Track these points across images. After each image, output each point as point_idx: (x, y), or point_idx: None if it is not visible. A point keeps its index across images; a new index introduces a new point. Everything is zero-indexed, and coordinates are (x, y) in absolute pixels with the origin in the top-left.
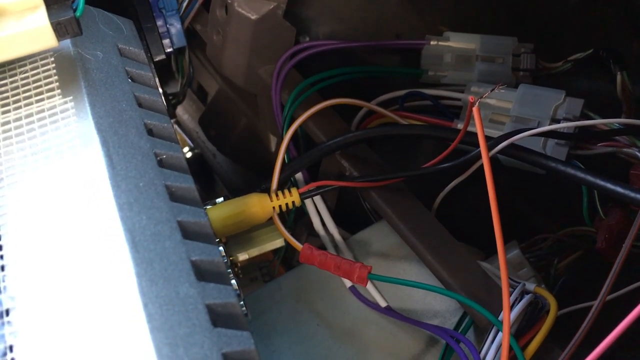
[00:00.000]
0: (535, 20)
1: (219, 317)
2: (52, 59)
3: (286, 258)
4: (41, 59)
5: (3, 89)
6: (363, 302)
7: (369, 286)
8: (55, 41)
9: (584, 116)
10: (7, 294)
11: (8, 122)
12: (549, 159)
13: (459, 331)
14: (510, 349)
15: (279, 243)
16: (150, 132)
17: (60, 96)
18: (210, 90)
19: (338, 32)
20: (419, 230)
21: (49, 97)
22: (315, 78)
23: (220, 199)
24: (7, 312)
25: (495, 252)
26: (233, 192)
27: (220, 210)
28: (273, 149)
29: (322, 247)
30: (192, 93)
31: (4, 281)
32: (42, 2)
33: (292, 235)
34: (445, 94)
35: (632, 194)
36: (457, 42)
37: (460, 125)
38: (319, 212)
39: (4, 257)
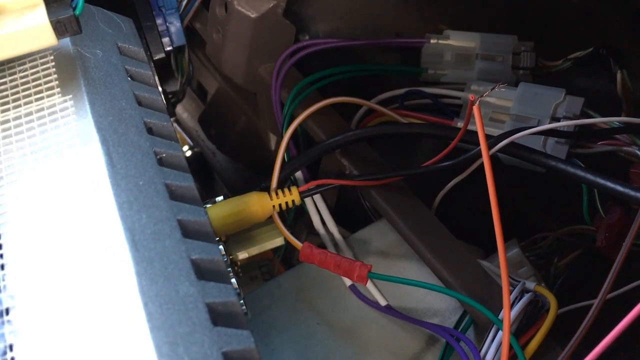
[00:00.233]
0: (536, 19)
1: (219, 316)
2: (52, 57)
3: (286, 257)
4: (40, 58)
5: (2, 87)
6: (363, 300)
7: (369, 285)
8: (54, 39)
9: (584, 115)
10: (7, 293)
11: (7, 121)
12: (549, 157)
13: (459, 330)
14: (511, 347)
15: (278, 242)
16: (150, 130)
17: (60, 95)
18: (210, 88)
19: (338, 31)
20: (419, 228)
21: (48, 96)
22: (315, 76)
23: (220, 198)
24: (7, 311)
25: (495, 250)
26: (233, 191)
27: (220, 209)
28: (273, 147)
29: (322, 246)
30: (191, 92)
31: (3, 280)
32: (42, 0)
33: (292, 234)
34: (445, 92)
35: (632, 193)
36: (457, 40)
37: (460, 124)
38: (318, 211)
39: (4, 256)
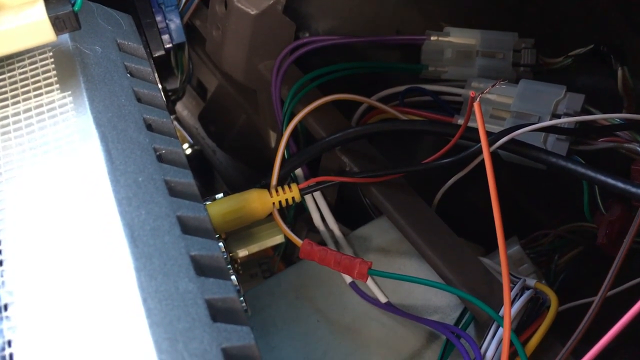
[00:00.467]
0: (536, 16)
1: (218, 312)
2: (51, 53)
3: (286, 254)
4: (39, 54)
5: (1, 84)
6: (363, 297)
7: (369, 282)
8: (53, 36)
9: (584, 111)
10: (5, 289)
11: (6, 117)
12: (550, 154)
13: (460, 327)
14: (511, 344)
15: (279, 239)
16: (149, 127)
17: (59, 91)
18: (210, 86)
19: (338, 28)
20: (419, 226)
21: (47, 92)
22: (315, 74)
23: (220, 195)
24: (6, 307)
25: (496, 247)
26: (233, 188)
27: (220, 206)
28: (273, 144)
29: (322, 243)
30: (191, 89)
31: (2, 276)
32: None
33: (292, 231)
34: (446, 89)
35: (633, 189)
36: (458, 37)
37: (460, 121)
38: (319, 208)
39: (3, 252)
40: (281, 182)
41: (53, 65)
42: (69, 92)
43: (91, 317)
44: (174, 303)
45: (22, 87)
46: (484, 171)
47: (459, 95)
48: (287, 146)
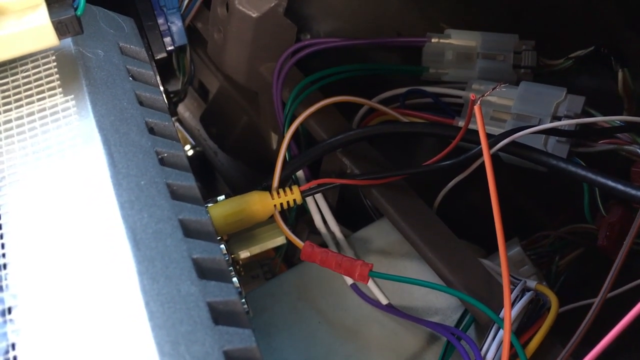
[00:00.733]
0: (537, 17)
1: (220, 315)
2: (53, 57)
3: (287, 256)
4: (42, 58)
5: (4, 87)
6: (364, 299)
7: (370, 284)
8: (56, 40)
9: (585, 113)
10: (9, 292)
11: (10, 121)
12: (550, 156)
13: (460, 328)
14: (512, 346)
15: (280, 241)
16: (151, 130)
17: (62, 95)
18: (212, 88)
19: (339, 30)
20: (420, 227)
21: (50, 96)
22: (316, 76)
23: (222, 197)
24: (10, 310)
25: (497, 249)
26: (234, 190)
27: (222, 208)
28: (274, 146)
29: (324, 245)
30: (193, 91)
31: (6, 279)
32: (43, 0)
33: (294, 233)
34: (446, 91)
35: (633, 192)
36: (458, 39)
37: (461, 123)
38: (320, 210)
39: (6, 255)
40: (282, 184)
41: (56, 69)
42: (72, 96)
43: (94, 320)
44: (176, 306)
45: (25, 90)
46: (485, 173)
47: (460, 97)
48: (289, 148)
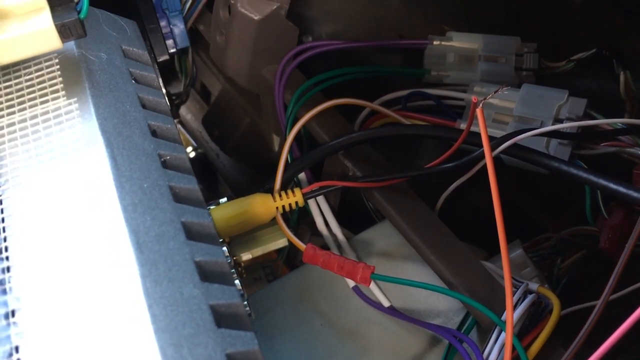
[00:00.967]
0: (538, 20)
1: (223, 318)
2: (57, 60)
3: (289, 258)
4: (45, 61)
5: (8, 90)
6: (366, 302)
7: (372, 286)
8: (59, 43)
9: (587, 116)
10: (13, 295)
11: (13, 124)
12: (552, 158)
13: (462, 331)
14: (514, 348)
15: (282, 243)
16: (154, 133)
17: (65, 97)
18: (214, 90)
19: (341, 32)
20: (422, 230)
21: (53, 99)
22: (318, 78)
23: (224, 199)
24: (13, 313)
25: (499, 251)
26: (236, 192)
27: (224, 211)
28: (276, 149)
29: (325, 247)
30: (195, 93)
31: (9, 282)
32: (47, 4)
33: (295, 235)
34: (448, 93)
35: (635, 194)
36: (460, 41)
37: (463, 125)
38: (322, 212)
39: (10, 259)
40: (284, 186)
41: (59, 72)
42: (75, 99)
43: (97, 323)
44: (179, 309)
45: (29, 93)
46: (487, 175)
47: (462, 99)
48: (291, 150)
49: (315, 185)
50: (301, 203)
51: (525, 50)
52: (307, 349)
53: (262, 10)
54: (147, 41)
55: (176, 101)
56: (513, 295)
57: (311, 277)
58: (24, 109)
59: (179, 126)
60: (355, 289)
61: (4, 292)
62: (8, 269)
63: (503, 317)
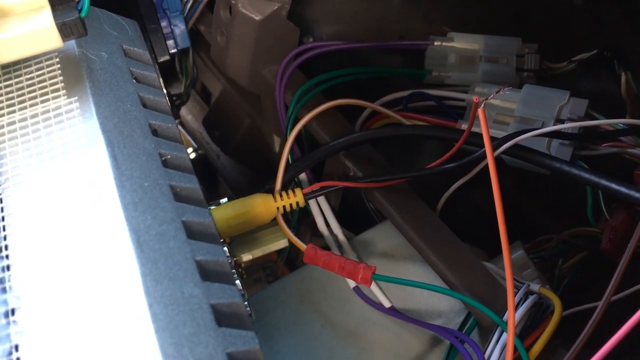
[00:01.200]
0: (540, 21)
1: (223, 317)
2: (57, 59)
3: (290, 258)
4: (46, 60)
5: (9, 89)
6: (367, 302)
7: (373, 287)
8: (60, 42)
9: (588, 116)
10: (13, 294)
11: (13, 123)
12: (554, 159)
13: (463, 331)
14: (515, 349)
15: (282, 243)
16: (154, 132)
17: (65, 96)
18: (214, 91)
19: (342, 33)
20: (423, 230)
21: (54, 98)
22: (319, 79)
23: (225, 200)
24: (13, 311)
25: (500, 252)
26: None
27: (225, 211)
28: (277, 149)
29: (326, 248)
30: (195, 94)
31: (9, 281)
32: (47, 3)
33: (296, 235)
34: (449, 94)
35: (637, 195)
36: (461, 42)
37: (464, 126)
38: (322, 213)
39: (10, 257)
40: (285, 186)
41: (60, 71)
42: (76, 98)
43: (98, 322)
44: (180, 308)
45: (29, 92)
46: (488, 176)
47: (463, 100)
48: (291, 151)
49: (316, 186)
50: (302, 203)
51: (527, 51)
52: (308, 349)
53: (263, 10)
54: (148, 41)
55: (177, 102)
56: (514, 296)
57: (312, 277)
58: (25, 107)
59: (179, 127)
60: (356, 289)
61: (4, 290)
62: (8, 267)
63: (504, 318)
